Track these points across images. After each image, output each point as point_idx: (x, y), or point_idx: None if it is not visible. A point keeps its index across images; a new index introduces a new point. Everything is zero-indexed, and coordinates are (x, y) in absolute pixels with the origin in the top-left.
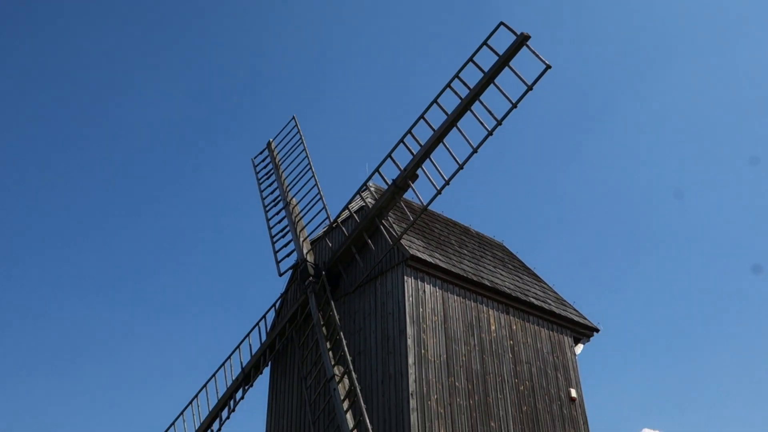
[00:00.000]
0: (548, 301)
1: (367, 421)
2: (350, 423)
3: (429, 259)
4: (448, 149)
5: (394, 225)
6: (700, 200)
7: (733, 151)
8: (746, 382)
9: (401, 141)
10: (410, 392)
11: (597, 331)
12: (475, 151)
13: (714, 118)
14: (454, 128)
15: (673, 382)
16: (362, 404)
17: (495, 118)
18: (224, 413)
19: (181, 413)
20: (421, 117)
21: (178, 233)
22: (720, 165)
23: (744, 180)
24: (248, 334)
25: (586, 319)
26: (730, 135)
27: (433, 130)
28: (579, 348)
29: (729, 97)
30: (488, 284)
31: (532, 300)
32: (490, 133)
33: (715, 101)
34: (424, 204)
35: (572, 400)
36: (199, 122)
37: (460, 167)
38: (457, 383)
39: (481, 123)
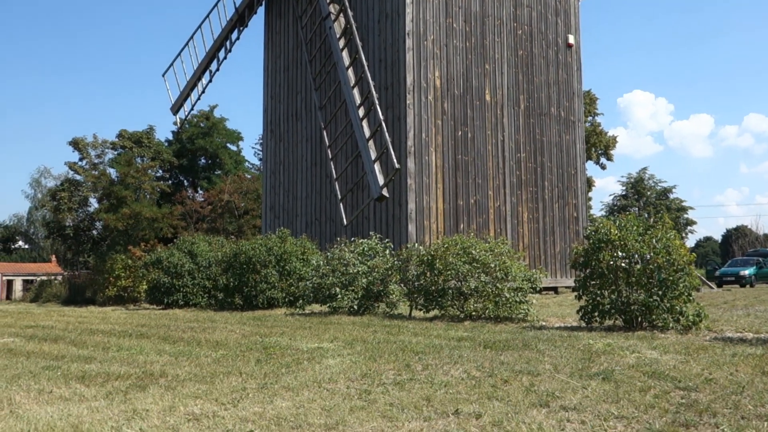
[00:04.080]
0: None
1: (363, 58)
2: (346, 61)
3: None
4: None
5: None
6: None
7: None
8: None
9: None
10: (407, 32)
11: None
12: None
13: None
14: None
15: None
16: (358, 42)
17: None
18: (221, 54)
19: (178, 55)
20: None
21: None
22: None
23: None
24: None
25: None
26: None
27: None
28: None
29: None
30: None
31: None
32: None
33: None
34: None
35: (569, 46)
36: None
37: None
38: (455, 24)
39: None
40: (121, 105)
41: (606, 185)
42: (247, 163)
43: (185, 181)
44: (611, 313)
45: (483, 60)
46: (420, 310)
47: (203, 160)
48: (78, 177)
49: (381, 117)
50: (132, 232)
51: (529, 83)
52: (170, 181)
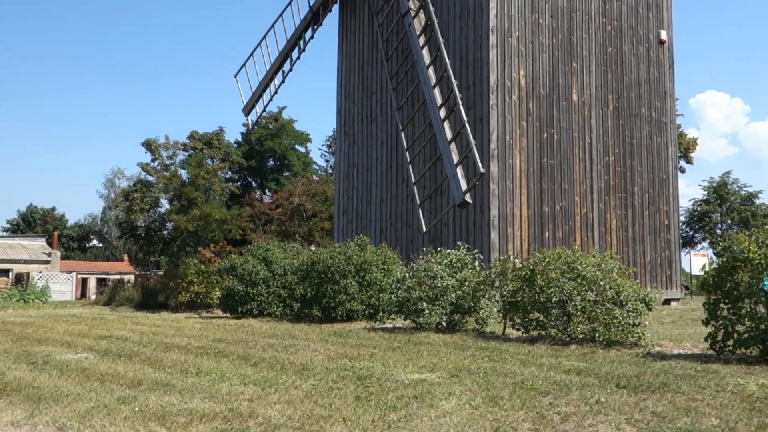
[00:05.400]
0: None
1: (446, 56)
2: (426, 59)
3: None
4: None
5: None
6: None
7: None
8: None
9: None
10: (490, 28)
11: None
12: None
13: None
14: None
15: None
16: (440, 39)
17: None
18: (294, 53)
19: (251, 55)
20: None
21: None
22: None
23: None
24: None
25: None
26: None
27: None
28: None
29: None
30: None
31: None
32: None
33: None
34: None
35: (661, 42)
36: None
37: None
38: (541, 20)
39: None
40: (193, 106)
41: (683, 190)
42: (314, 165)
43: (254, 182)
44: (748, 343)
45: (570, 58)
46: (516, 329)
47: (271, 162)
48: (150, 178)
49: (465, 117)
50: (202, 234)
51: (618, 82)
52: (239, 183)
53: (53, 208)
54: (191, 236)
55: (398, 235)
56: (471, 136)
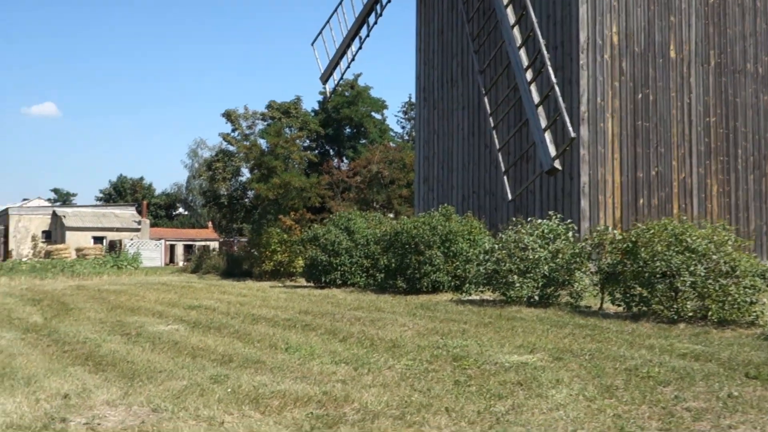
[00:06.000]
0: None
1: (532, 14)
2: (511, 19)
3: None
4: None
5: None
6: None
7: None
8: None
9: None
10: None
11: None
12: None
13: None
14: None
15: None
16: None
17: None
18: (371, 18)
19: (327, 22)
20: None
21: None
22: None
23: None
24: None
25: None
26: None
27: None
28: None
29: None
30: None
31: None
32: None
33: None
34: None
35: None
36: None
37: None
38: None
39: None
40: (271, 76)
41: None
42: (391, 132)
43: (331, 150)
44: None
45: (667, 11)
46: (616, 305)
47: (348, 130)
48: (231, 148)
49: (554, 79)
50: (282, 201)
51: (720, 36)
52: (317, 151)
53: (141, 178)
54: (272, 204)
55: (481, 203)
56: (560, 99)
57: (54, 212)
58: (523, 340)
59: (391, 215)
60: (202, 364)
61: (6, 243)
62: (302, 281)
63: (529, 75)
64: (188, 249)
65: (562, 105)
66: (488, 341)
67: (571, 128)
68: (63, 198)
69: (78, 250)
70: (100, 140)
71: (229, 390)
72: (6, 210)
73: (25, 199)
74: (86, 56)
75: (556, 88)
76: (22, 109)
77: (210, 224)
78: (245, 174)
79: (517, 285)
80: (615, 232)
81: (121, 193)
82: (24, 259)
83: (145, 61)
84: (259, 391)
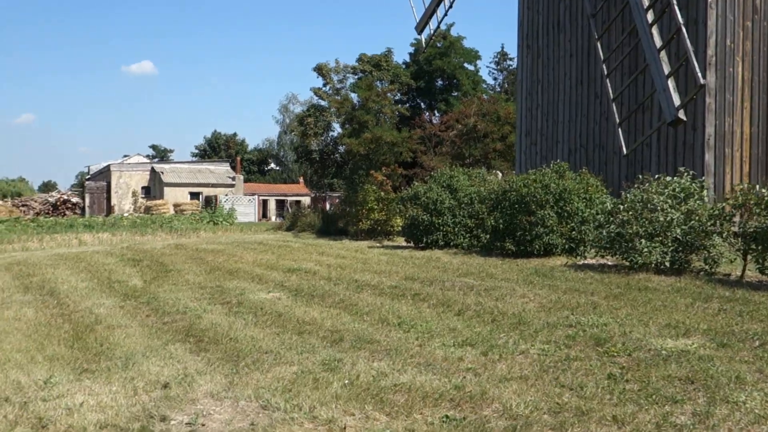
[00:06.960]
0: None
1: None
2: None
3: None
4: None
5: None
6: None
7: None
8: None
9: None
10: None
11: None
12: None
13: None
14: None
15: None
16: None
17: None
18: None
19: None
20: None
21: None
22: None
23: None
24: None
25: None
26: None
27: None
28: None
29: None
30: None
31: None
32: None
33: None
34: None
35: None
36: None
37: None
38: None
39: None
40: (361, 29)
41: None
42: (483, 84)
43: (422, 104)
44: None
45: None
46: (766, 273)
47: (440, 82)
48: (322, 102)
49: (681, 20)
50: (373, 157)
51: None
52: (408, 104)
53: (234, 134)
54: (363, 159)
55: (589, 158)
56: (688, 42)
57: (152, 168)
58: (669, 317)
59: (498, 173)
60: (311, 343)
61: (108, 199)
62: (400, 241)
63: (650, 16)
64: (280, 204)
65: (690, 48)
66: (627, 318)
67: (699, 74)
68: (161, 154)
69: (176, 205)
70: (195, 97)
71: (346, 381)
72: (108, 167)
73: (125, 156)
74: (182, 17)
75: (683, 30)
76: (122, 67)
77: (301, 179)
78: (336, 129)
79: (645, 250)
80: (764, 190)
81: (215, 148)
82: (125, 214)
83: (237, 19)
84: (381, 384)
